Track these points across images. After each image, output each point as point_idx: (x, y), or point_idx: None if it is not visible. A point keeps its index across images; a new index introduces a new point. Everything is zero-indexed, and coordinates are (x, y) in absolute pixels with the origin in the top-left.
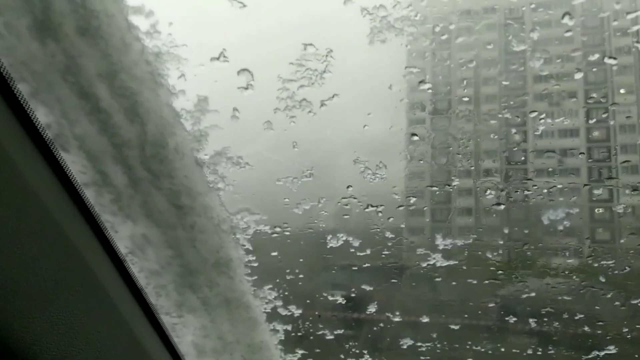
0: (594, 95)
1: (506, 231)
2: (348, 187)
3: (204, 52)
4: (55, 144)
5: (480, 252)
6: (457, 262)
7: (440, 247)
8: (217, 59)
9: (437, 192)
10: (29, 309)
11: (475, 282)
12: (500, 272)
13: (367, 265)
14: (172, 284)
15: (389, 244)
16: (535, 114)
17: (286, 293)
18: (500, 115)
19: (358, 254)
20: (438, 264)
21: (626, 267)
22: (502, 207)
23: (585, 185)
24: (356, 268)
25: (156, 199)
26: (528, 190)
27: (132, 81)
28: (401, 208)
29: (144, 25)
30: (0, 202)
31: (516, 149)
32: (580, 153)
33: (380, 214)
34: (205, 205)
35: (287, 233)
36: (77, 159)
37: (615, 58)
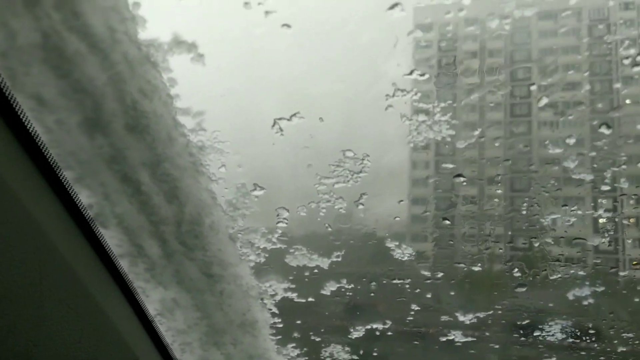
0: None
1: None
2: (371, 283)
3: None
4: (96, 222)
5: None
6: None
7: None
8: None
9: (464, 269)
10: None
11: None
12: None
13: (389, 333)
14: (197, 342)
15: (412, 313)
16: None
17: (309, 351)
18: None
19: (382, 327)
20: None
21: None
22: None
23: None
24: (379, 333)
25: (188, 269)
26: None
27: (174, 169)
28: (428, 281)
29: (191, 124)
30: (40, 274)
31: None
32: None
33: (407, 286)
34: (235, 275)
35: (312, 299)
36: (115, 234)
37: None
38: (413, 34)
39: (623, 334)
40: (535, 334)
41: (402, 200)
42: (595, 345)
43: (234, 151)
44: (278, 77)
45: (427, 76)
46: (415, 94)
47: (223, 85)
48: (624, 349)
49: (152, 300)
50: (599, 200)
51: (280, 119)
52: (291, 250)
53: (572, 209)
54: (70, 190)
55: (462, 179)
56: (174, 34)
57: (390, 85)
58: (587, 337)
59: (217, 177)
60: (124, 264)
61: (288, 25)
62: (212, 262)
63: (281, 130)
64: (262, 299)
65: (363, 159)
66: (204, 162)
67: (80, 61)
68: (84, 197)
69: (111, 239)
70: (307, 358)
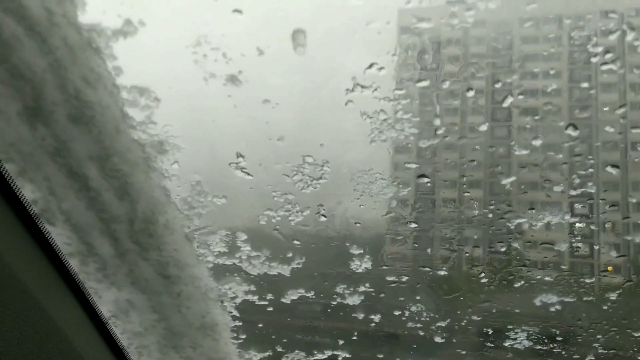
0: None
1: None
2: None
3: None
4: (41, 218)
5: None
6: None
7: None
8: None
9: (430, 273)
10: None
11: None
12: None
13: (354, 337)
14: (155, 345)
15: (377, 318)
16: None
17: (272, 356)
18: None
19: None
20: None
21: None
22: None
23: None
24: (344, 338)
25: (142, 269)
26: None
27: (124, 164)
28: (393, 285)
29: (139, 116)
30: None
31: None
32: None
33: (372, 291)
34: (192, 276)
35: (274, 303)
36: (63, 232)
37: None
38: (372, 23)
39: (593, 343)
40: (503, 340)
41: (362, 205)
42: (564, 352)
43: (188, 150)
44: (227, 67)
45: (386, 70)
46: (375, 89)
47: (171, 75)
48: (592, 358)
49: (106, 301)
50: (570, 205)
51: (235, 163)
52: (252, 255)
53: (541, 214)
54: (13, 185)
55: (425, 179)
56: (116, 19)
57: (350, 79)
58: (555, 344)
59: (170, 173)
60: (73, 264)
61: (239, 11)
62: (168, 263)
63: (246, 173)
64: (221, 302)
65: (323, 165)
66: (156, 158)
67: (17, 46)
68: (27, 192)
69: (59, 236)
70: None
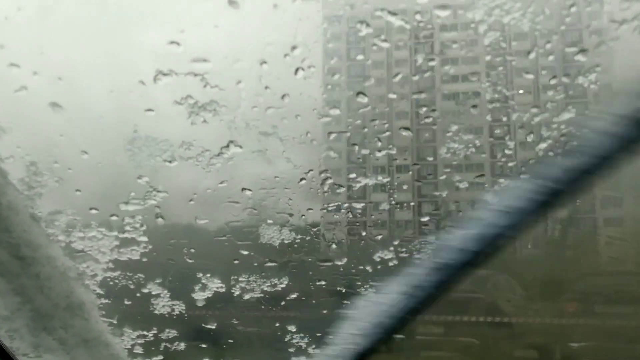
0: None
1: None
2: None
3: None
4: None
5: None
6: None
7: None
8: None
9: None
10: None
11: None
12: None
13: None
14: (25, 328)
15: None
16: None
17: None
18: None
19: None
20: None
21: None
22: None
23: None
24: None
25: None
26: None
27: None
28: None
29: None
30: None
31: None
32: None
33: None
34: (48, 256)
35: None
36: None
37: None
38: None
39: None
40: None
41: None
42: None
43: (16, 132)
44: (26, 43)
45: (182, 48)
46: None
47: None
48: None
49: None
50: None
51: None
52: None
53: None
54: None
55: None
56: None
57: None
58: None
59: (3, 156)
60: None
61: None
62: (19, 244)
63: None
64: (83, 281)
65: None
66: None
67: None
68: None
69: None
70: (144, 340)
